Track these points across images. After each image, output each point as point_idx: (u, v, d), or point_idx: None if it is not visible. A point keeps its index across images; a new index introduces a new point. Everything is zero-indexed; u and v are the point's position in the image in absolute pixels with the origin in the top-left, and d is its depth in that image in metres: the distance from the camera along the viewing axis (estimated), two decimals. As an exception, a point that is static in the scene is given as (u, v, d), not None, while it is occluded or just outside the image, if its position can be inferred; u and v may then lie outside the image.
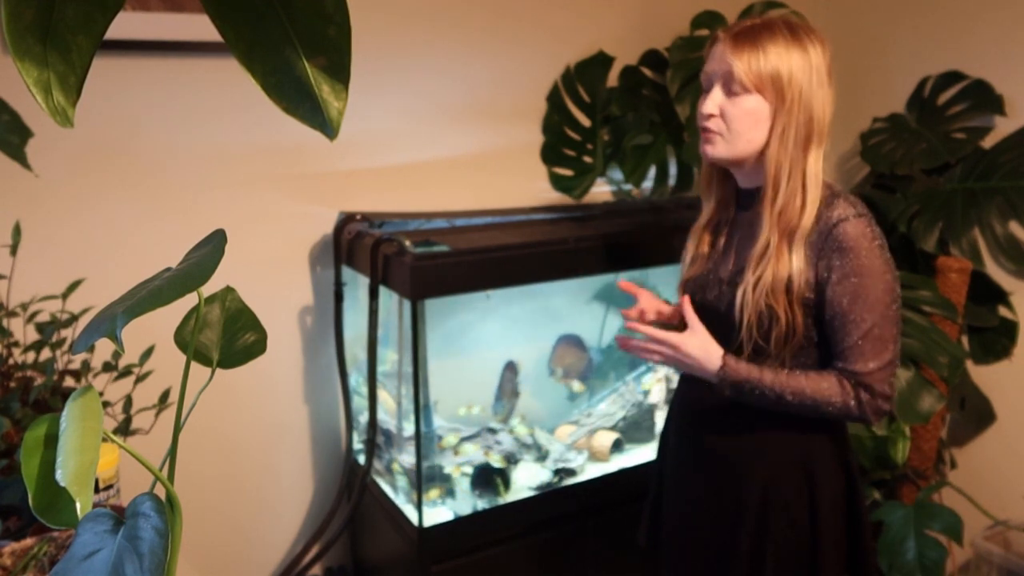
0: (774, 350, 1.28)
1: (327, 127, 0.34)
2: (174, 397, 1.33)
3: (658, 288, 2.21)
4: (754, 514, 1.34)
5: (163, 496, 0.71)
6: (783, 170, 1.26)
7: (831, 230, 1.23)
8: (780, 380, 1.26)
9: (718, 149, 1.29)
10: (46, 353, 1.32)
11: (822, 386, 1.24)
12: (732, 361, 1.28)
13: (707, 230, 1.40)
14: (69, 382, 1.35)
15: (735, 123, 1.26)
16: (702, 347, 1.29)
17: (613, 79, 2.20)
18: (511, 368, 2.00)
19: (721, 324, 1.33)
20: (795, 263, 1.25)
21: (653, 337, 1.31)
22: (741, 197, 1.38)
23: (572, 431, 2.04)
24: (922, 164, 2.04)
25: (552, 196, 2.21)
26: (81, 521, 0.63)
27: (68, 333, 1.34)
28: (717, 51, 1.28)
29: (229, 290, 0.97)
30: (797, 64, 1.24)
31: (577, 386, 2.10)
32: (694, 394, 1.43)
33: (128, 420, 1.33)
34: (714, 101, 1.27)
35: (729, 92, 1.26)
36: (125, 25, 1.61)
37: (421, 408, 1.70)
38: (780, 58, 1.24)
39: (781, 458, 1.35)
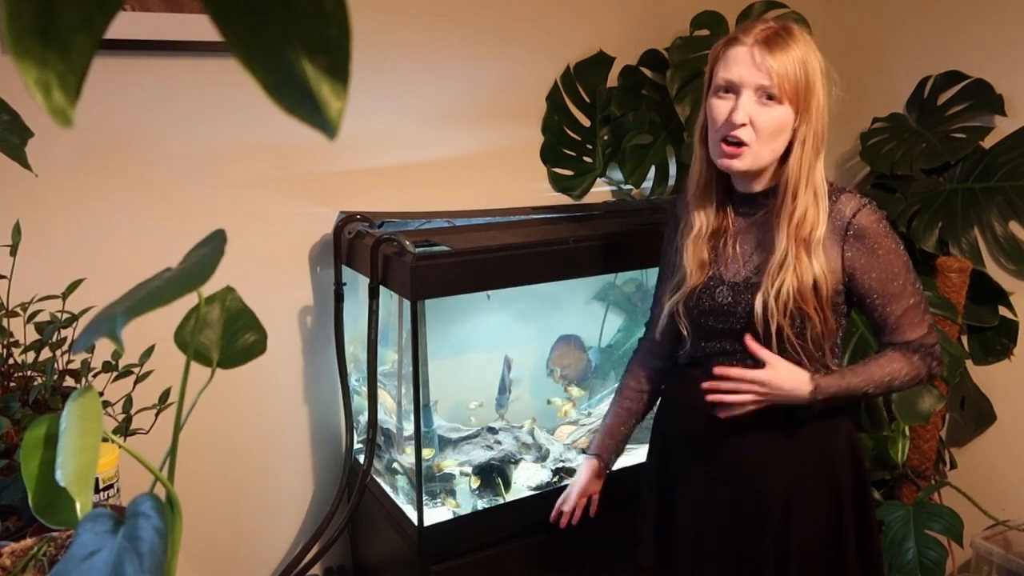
0: (813, 347, 1.29)
1: (327, 127, 0.34)
2: (174, 397, 1.33)
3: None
4: (778, 516, 1.34)
5: (163, 496, 0.71)
6: (802, 179, 1.26)
7: (849, 222, 1.27)
8: (861, 380, 1.28)
9: (745, 162, 1.26)
10: (46, 353, 1.32)
11: (893, 368, 1.29)
12: (822, 381, 1.27)
13: (704, 238, 1.36)
14: (69, 382, 1.35)
15: (764, 133, 1.24)
16: (789, 376, 1.27)
17: (613, 79, 2.20)
18: (508, 365, 2.00)
19: (734, 323, 1.33)
20: (817, 267, 1.26)
21: (742, 377, 1.27)
22: (741, 202, 1.36)
23: (572, 431, 2.04)
24: (922, 164, 2.04)
25: (552, 196, 2.21)
26: (81, 521, 0.63)
27: (68, 333, 1.34)
28: (743, 55, 1.23)
29: (229, 290, 0.97)
30: (817, 73, 1.25)
31: (576, 392, 2.09)
32: (703, 403, 1.41)
33: (128, 420, 1.33)
34: (746, 110, 1.23)
35: (762, 101, 1.23)
36: (125, 25, 1.61)
37: (421, 408, 1.70)
38: (809, 67, 1.24)
39: (805, 457, 1.35)
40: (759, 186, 1.33)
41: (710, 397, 1.29)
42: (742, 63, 1.24)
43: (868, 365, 1.30)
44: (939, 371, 1.32)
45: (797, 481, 1.34)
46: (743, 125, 1.24)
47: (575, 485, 1.55)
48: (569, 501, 1.54)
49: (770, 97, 1.23)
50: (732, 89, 1.25)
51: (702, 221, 1.36)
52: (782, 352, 1.29)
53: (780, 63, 1.22)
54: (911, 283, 1.30)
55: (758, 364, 1.31)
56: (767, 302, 1.27)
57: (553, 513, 1.55)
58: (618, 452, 1.57)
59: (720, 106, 1.26)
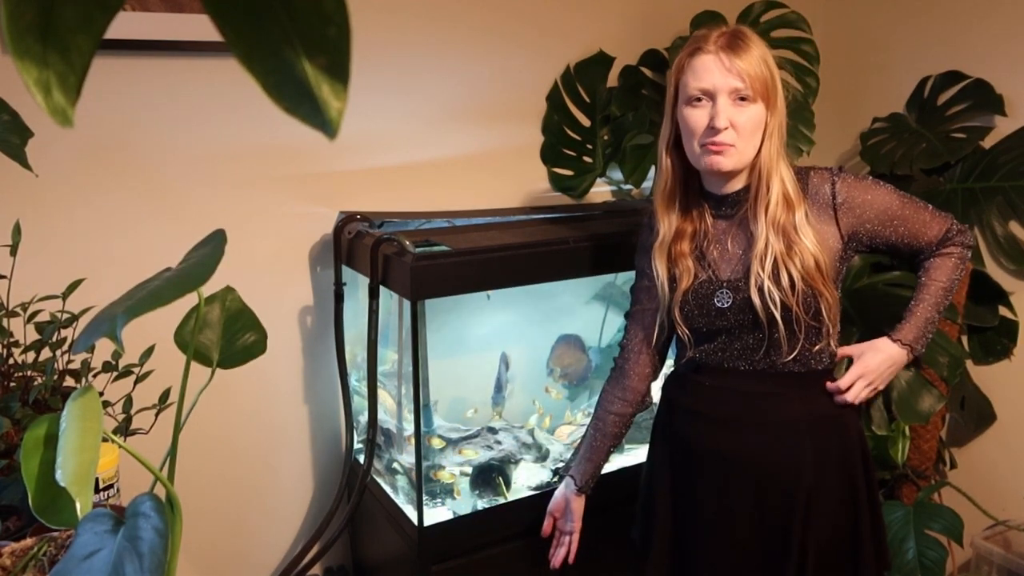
0: (829, 323, 1.35)
1: (327, 127, 0.34)
2: (174, 397, 1.33)
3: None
4: (801, 514, 1.35)
5: (163, 496, 0.71)
6: (774, 171, 1.31)
7: (833, 197, 1.34)
8: (927, 305, 1.39)
9: (732, 161, 1.29)
10: (46, 353, 1.32)
11: (941, 272, 1.39)
12: (904, 336, 1.38)
13: (682, 241, 1.38)
14: (69, 382, 1.35)
15: (745, 132, 1.28)
16: (880, 356, 1.38)
17: (613, 79, 2.20)
18: (505, 362, 2.00)
19: (740, 319, 1.34)
20: (810, 245, 1.30)
21: (846, 385, 1.37)
22: (718, 203, 1.37)
23: (572, 431, 2.04)
24: (922, 164, 2.04)
25: (552, 196, 2.21)
26: (81, 521, 0.63)
27: (68, 333, 1.34)
28: (711, 63, 1.27)
29: (229, 290, 0.97)
30: (775, 68, 1.31)
31: (555, 394, 2.08)
32: (716, 408, 1.41)
33: (128, 420, 1.33)
34: (726, 114, 1.27)
35: (737, 103, 1.27)
36: (125, 25, 1.61)
37: (421, 408, 1.70)
38: (769, 63, 1.29)
39: (824, 455, 1.37)
40: (735, 185, 1.35)
41: (839, 400, 1.38)
42: (712, 70, 1.27)
43: (923, 289, 1.40)
44: (972, 241, 1.43)
45: (818, 479, 1.35)
46: (725, 129, 1.27)
47: (575, 521, 1.56)
48: (573, 540, 1.57)
49: (744, 98, 1.27)
50: (706, 97, 1.29)
51: (667, 228, 1.39)
52: (788, 335, 1.32)
53: (747, 64, 1.26)
54: (903, 198, 1.38)
55: (767, 355, 1.34)
56: (763, 288, 1.30)
57: (556, 558, 1.58)
58: (596, 478, 1.57)
59: (696, 115, 1.29)
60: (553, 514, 1.57)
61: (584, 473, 1.54)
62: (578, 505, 1.55)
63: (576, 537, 1.55)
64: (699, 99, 1.29)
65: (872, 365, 1.38)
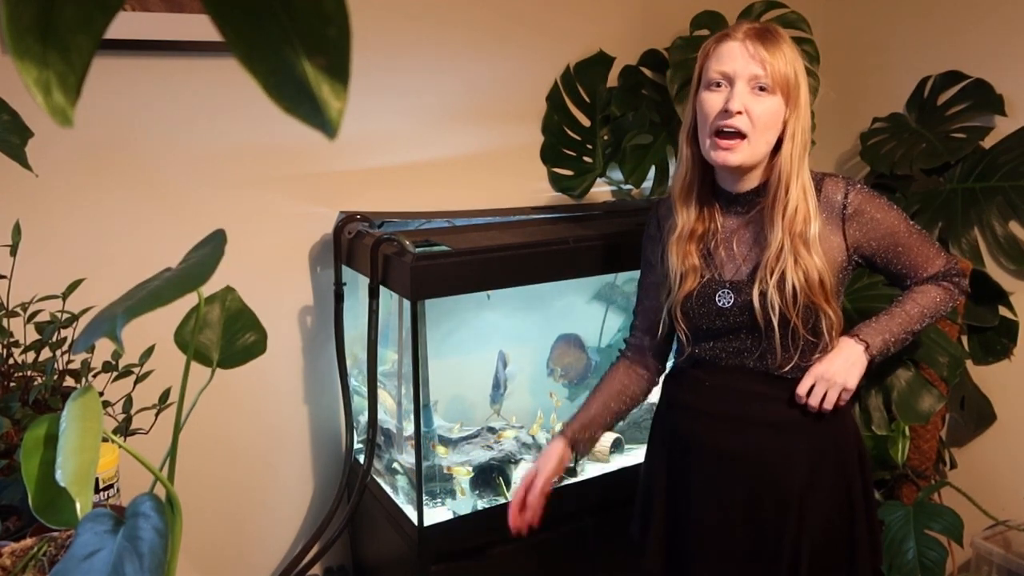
0: (828, 339, 1.33)
1: (327, 127, 0.34)
2: (174, 397, 1.33)
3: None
4: (795, 514, 1.35)
5: (163, 496, 0.71)
6: (793, 173, 1.28)
7: (844, 206, 1.32)
8: (901, 321, 1.36)
9: (740, 155, 1.27)
10: (46, 353, 1.32)
11: (927, 298, 1.37)
12: (868, 339, 1.34)
13: (691, 241, 1.37)
14: (69, 382, 1.35)
15: (760, 123, 1.25)
16: (841, 358, 1.33)
17: (613, 79, 2.20)
18: (503, 360, 2.00)
19: (740, 321, 1.33)
20: (818, 261, 1.28)
21: (807, 388, 1.33)
22: (730, 202, 1.37)
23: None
24: (922, 164, 2.04)
25: (552, 196, 2.21)
26: (81, 521, 0.63)
27: (68, 333, 1.34)
28: (736, 49, 1.26)
29: (229, 290, 0.97)
30: (802, 70, 1.28)
31: (557, 400, 2.08)
32: (713, 405, 1.41)
33: (128, 420, 1.33)
34: (741, 99, 1.24)
35: (755, 91, 1.25)
36: (125, 25, 1.61)
37: (421, 408, 1.70)
38: (796, 62, 1.27)
39: (820, 455, 1.37)
40: (749, 184, 1.34)
41: (810, 408, 1.34)
42: (736, 56, 1.26)
43: (902, 304, 1.37)
44: (968, 288, 1.41)
45: (813, 478, 1.35)
46: (739, 113, 1.25)
47: (542, 473, 1.40)
48: (534, 492, 1.40)
49: (762, 89, 1.26)
50: (725, 81, 1.27)
51: (685, 221, 1.37)
52: (784, 345, 1.31)
53: (772, 54, 1.25)
54: (912, 228, 1.36)
55: (763, 358, 1.34)
56: (765, 293, 1.29)
57: (514, 517, 1.40)
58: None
59: (713, 99, 1.28)
60: (529, 475, 1.42)
61: (573, 421, 1.46)
62: (557, 450, 1.43)
63: (540, 489, 1.39)
64: (718, 84, 1.28)
65: (826, 366, 1.33)
